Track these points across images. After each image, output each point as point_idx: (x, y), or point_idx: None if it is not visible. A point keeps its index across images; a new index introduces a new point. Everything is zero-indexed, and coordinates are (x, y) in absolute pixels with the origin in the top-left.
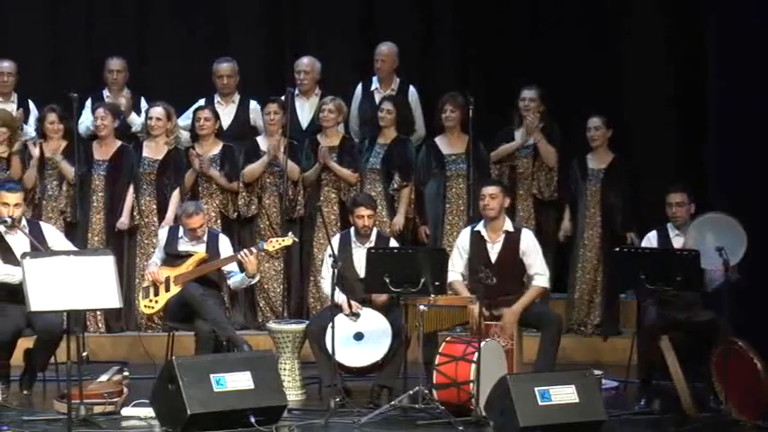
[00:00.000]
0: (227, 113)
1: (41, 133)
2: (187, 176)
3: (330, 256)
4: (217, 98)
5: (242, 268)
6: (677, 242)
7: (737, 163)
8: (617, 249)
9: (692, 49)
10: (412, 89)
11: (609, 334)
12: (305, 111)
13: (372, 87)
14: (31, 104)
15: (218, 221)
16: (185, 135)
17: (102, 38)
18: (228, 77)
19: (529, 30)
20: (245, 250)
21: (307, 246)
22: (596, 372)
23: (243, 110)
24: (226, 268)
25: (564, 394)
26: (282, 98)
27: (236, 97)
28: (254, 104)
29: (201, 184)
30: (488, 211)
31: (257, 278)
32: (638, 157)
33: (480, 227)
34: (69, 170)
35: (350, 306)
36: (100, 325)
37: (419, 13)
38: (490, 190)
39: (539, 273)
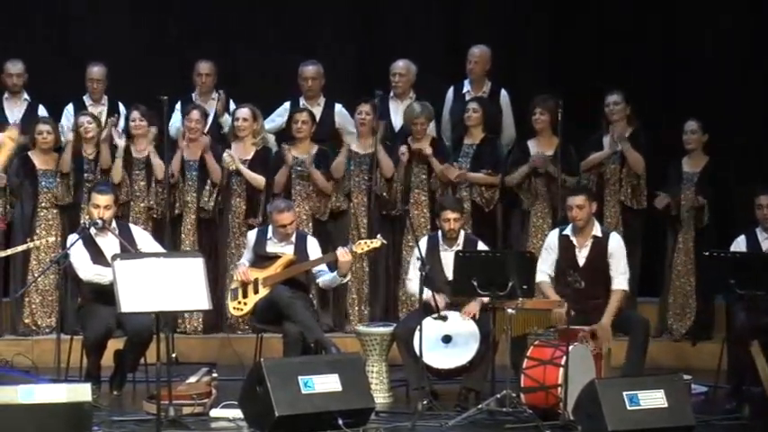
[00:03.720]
0: None
1: (128, 133)
2: (278, 176)
3: (418, 258)
4: (302, 101)
5: (332, 268)
6: (766, 245)
7: None
8: (706, 253)
9: None
10: (503, 92)
11: (700, 338)
12: (398, 113)
13: (464, 90)
14: (122, 107)
15: (310, 224)
16: (271, 138)
17: (191, 41)
18: (313, 80)
19: (619, 33)
20: (344, 248)
21: (395, 247)
22: (685, 376)
23: (328, 113)
24: (315, 268)
25: (652, 399)
26: (375, 100)
27: (322, 100)
28: (338, 107)
29: (295, 186)
30: (578, 222)
31: (348, 278)
32: (728, 159)
33: (569, 231)
34: (160, 165)
35: (436, 303)
36: (196, 324)
37: (512, 14)
38: (578, 201)
39: (619, 273)
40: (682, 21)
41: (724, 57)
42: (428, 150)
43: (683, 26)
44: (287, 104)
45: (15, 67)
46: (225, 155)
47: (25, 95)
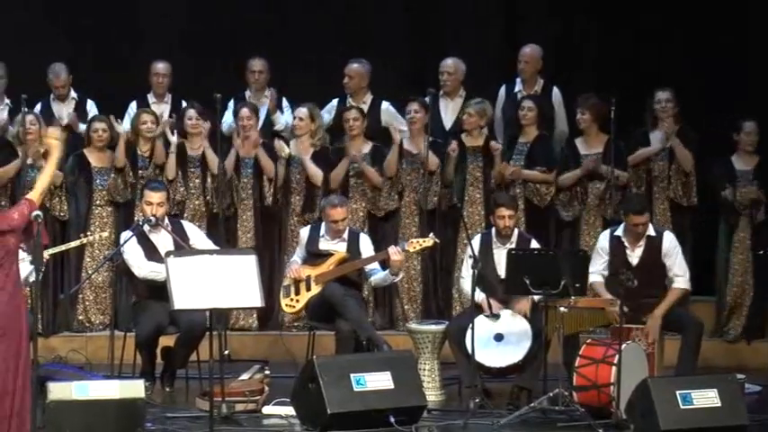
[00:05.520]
0: None
1: (182, 132)
2: (337, 170)
3: (470, 256)
4: (348, 99)
5: (384, 266)
6: None
7: None
8: (761, 252)
9: None
10: (555, 90)
11: (754, 338)
12: (448, 112)
13: (516, 89)
14: (184, 105)
15: (366, 222)
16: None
17: (245, 38)
18: (350, 78)
19: (669, 31)
20: (393, 247)
21: (448, 245)
22: (739, 376)
23: (374, 111)
24: (367, 267)
25: (706, 398)
26: (426, 98)
27: (368, 98)
28: (385, 105)
29: (351, 183)
30: (642, 236)
31: (401, 276)
32: None
33: (620, 232)
34: (214, 159)
35: (490, 306)
36: (251, 321)
37: (563, 13)
38: (642, 219)
39: (677, 275)
40: (735, 19)
41: None
42: (497, 146)
43: (735, 25)
44: (335, 102)
45: (59, 79)
46: (276, 141)
47: (73, 94)
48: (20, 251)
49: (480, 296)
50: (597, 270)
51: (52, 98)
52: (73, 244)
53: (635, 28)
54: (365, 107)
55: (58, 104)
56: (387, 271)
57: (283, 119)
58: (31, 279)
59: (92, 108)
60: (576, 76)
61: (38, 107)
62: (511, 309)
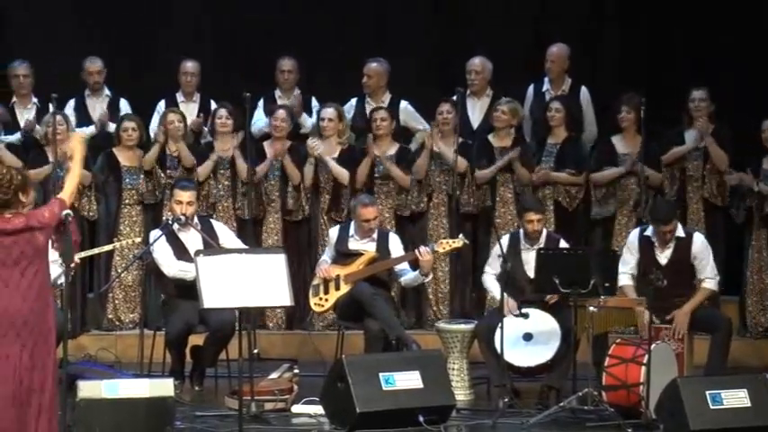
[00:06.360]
0: None
1: (213, 132)
2: (360, 168)
3: (499, 256)
4: (367, 98)
5: (414, 267)
6: None
7: None
8: None
9: None
10: (583, 89)
11: None
12: (475, 111)
13: (543, 89)
14: (213, 106)
15: (393, 222)
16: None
17: (274, 38)
18: (369, 78)
19: (699, 30)
20: (425, 247)
21: (477, 245)
22: None
23: (393, 110)
24: (396, 267)
25: (735, 398)
26: (454, 98)
27: (387, 97)
28: (404, 104)
29: (377, 184)
30: (670, 240)
31: (430, 277)
32: None
33: (650, 232)
34: (243, 166)
35: (508, 307)
36: (279, 321)
37: (590, 11)
38: (669, 227)
39: (708, 277)
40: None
41: None
42: (515, 154)
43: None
44: (353, 101)
45: (94, 65)
46: (308, 141)
47: (106, 91)
48: (52, 252)
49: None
50: (627, 270)
51: (87, 94)
52: (105, 248)
53: (663, 27)
54: (383, 106)
55: (92, 100)
56: (416, 271)
57: (310, 121)
58: (60, 281)
59: (124, 107)
60: (603, 76)
61: (71, 103)
62: (538, 304)
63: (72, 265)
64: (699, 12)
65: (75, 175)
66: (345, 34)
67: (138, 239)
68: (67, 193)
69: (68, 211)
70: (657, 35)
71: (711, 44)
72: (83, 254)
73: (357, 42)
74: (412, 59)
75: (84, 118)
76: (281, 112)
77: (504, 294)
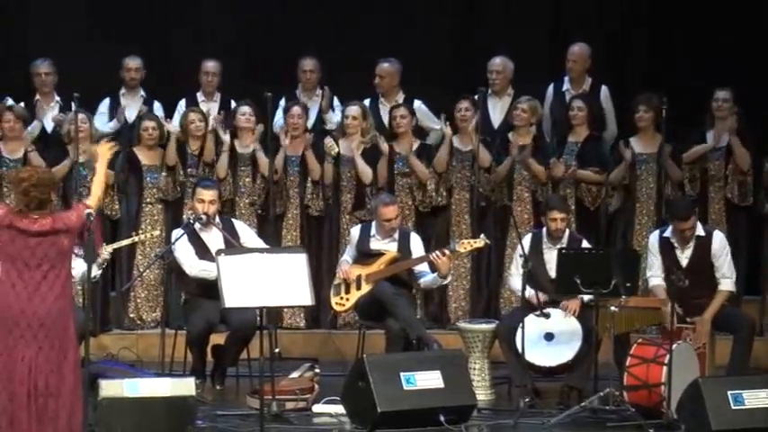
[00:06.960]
0: (386, 113)
1: (233, 129)
2: (378, 167)
3: (521, 255)
4: (380, 99)
5: (433, 268)
6: None
7: None
8: None
9: None
10: (604, 88)
11: None
12: (497, 110)
13: (564, 88)
14: (234, 105)
15: (413, 218)
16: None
17: (295, 37)
18: (381, 78)
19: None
20: (438, 252)
21: (497, 244)
22: None
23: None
24: (417, 269)
25: (757, 398)
26: (476, 96)
27: (400, 97)
28: (417, 103)
29: (398, 182)
30: (690, 239)
31: (449, 278)
32: None
33: (669, 233)
34: (265, 161)
35: (538, 300)
36: (299, 320)
37: (612, 11)
38: (688, 224)
39: (725, 276)
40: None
41: None
42: (527, 154)
43: None
44: (367, 102)
45: (134, 62)
46: (326, 140)
47: (141, 92)
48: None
49: (530, 292)
50: (655, 273)
51: (122, 93)
52: (125, 242)
53: (685, 27)
54: None
55: (127, 98)
56: (435, 274)
57: (335, 118)
58: (94, 273)
59: (158, 110)
60: (624, 75)
61: (106, 101)
62: (560, 308)
63: (100, 260)
64: (699, 12)
65: (100, 182)
66: (360, 35)
67: (157, 232)
68: (94, 198)
69: (90, 211)
70: (657, 35)
71: (711, 44)
72: (110, 247)
73: (372, 42)
74: (436, 59)
75: (114, 114)
76: (295, 109)
77: (533, 291)
